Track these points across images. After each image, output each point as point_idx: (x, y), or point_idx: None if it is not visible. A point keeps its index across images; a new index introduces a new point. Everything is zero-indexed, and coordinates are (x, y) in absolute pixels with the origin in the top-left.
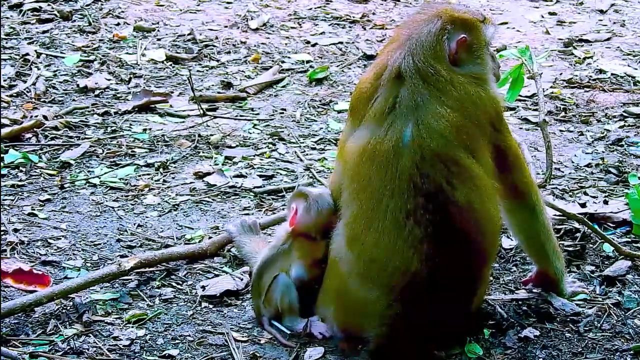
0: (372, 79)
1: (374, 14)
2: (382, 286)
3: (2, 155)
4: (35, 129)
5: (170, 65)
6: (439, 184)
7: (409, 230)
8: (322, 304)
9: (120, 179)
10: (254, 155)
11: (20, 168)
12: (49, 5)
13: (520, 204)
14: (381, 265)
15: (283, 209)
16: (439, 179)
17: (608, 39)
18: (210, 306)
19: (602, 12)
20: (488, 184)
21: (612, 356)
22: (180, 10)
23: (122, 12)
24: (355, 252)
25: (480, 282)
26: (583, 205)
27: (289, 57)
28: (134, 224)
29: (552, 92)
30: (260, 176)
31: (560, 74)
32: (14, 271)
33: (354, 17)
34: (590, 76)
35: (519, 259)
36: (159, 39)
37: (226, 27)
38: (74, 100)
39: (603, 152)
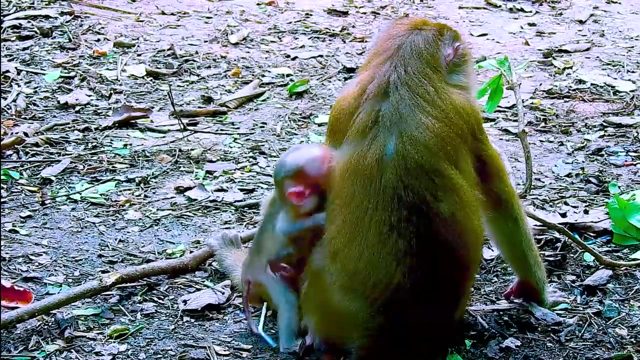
0: (356, 95)
1: (353, 27)
2: (364, 298)
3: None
4: (15, 146)
5: (151, 80)
6: (423, 197)
7: (393, 243)
8: (304, 316)
9: (101, 194)
10: (234, 169)
11: (1, 185)
12: (28, 22)
13: (502, 214)
14: (364, 278)
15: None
16: (423, 191)
17: (587, 49)
18: (192, 320)
19: (581, 22)
20: (471, 196)
21: None
22: (160, 25)
23: (102, 28)
24: (338, 265)
25: (462, 294)
26: (563, 215)
27: (269, 71)
28: (115, 240)
29: (532, 103)
30: (241, 190)
31: (540, 84)
32: None
33: (333, 30)
34: (570, 86)
35: (499, 270)
36: (139, 55)
37: (206, 41)
38: (54, 116)
39: (583, 162)
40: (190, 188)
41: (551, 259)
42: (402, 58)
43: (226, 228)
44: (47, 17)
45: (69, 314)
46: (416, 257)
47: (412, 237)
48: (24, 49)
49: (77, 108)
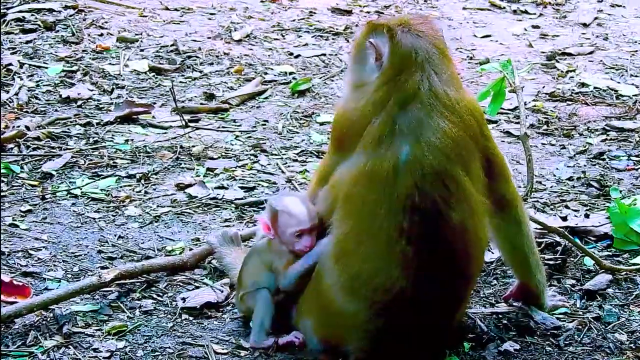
0: (375, 102)
1: (357, 26)
2: (365, 300)
3: None
4: (17, 139)
5: (153, 76)
6: (436, 203)
7: (401, 248)
8: (302, 317)
9: (101, 190)
10: (235, 167)
11: (2, 178)
12: (32, 15)
13: (506, 216)
14: (366, 280)
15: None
16: (436, 198)
17: (591, 52)
18: (191, 318)
19: (585, 25)
20: (479, 202)
21: None
22: (164, 21)
23: (106, 22)
24: (342, 266)
25: (463, 299)
26: (564, 219)
27: (272, 69)
28: (115, 236)
29: (535, 106)
30: (242, 188)
31: (543, 87)
32: None
33: (337, 29)
34: (573, 89)
35: (499, 273)
36: (142, 50)
37: (209, 38)
38: (56, 110)
39: (585, 165)
40: (190, 185)
41: (551, 262)
42: (429, 63)
43: (226, 226)
44: (50, 10)
45: (67, 309)
46: (422, 262)
47: (420, 243)
48: (27, 42)
49: (79, 102)
